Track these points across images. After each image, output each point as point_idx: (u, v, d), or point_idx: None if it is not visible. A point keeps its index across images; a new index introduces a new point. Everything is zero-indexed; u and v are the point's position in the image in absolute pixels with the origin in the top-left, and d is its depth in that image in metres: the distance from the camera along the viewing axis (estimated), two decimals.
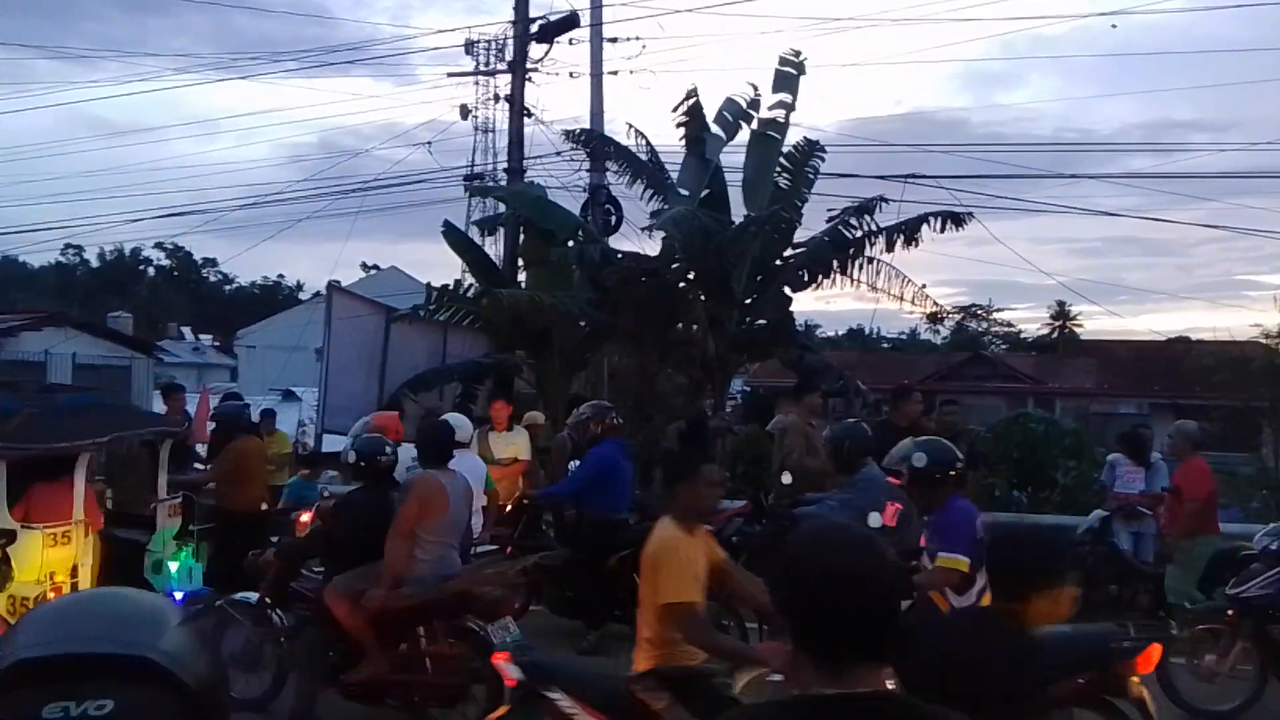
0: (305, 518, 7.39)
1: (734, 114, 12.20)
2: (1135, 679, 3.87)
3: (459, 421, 6.99)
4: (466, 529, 5.97)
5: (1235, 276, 74.05)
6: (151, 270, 58.53)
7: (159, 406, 14.17)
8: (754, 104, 12.19)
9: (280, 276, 62.71)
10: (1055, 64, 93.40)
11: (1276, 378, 13.48)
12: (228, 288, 61.09)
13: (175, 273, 59.21)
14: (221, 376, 36.87)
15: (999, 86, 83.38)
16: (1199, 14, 62.51)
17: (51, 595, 6.08)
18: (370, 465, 5.70)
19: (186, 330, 44.91)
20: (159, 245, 55.89)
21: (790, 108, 12.13)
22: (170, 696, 1.11)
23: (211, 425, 8.33)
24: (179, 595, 6.41)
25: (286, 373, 24.99)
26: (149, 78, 58.24)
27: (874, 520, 4.93)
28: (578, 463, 7.74)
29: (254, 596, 5.80)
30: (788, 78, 12.15)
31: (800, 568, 1.50)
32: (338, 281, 16.29)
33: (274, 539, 7.01)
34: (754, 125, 12.22)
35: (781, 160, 12.28)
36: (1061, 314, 46.31)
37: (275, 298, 55.02)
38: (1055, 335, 45.38)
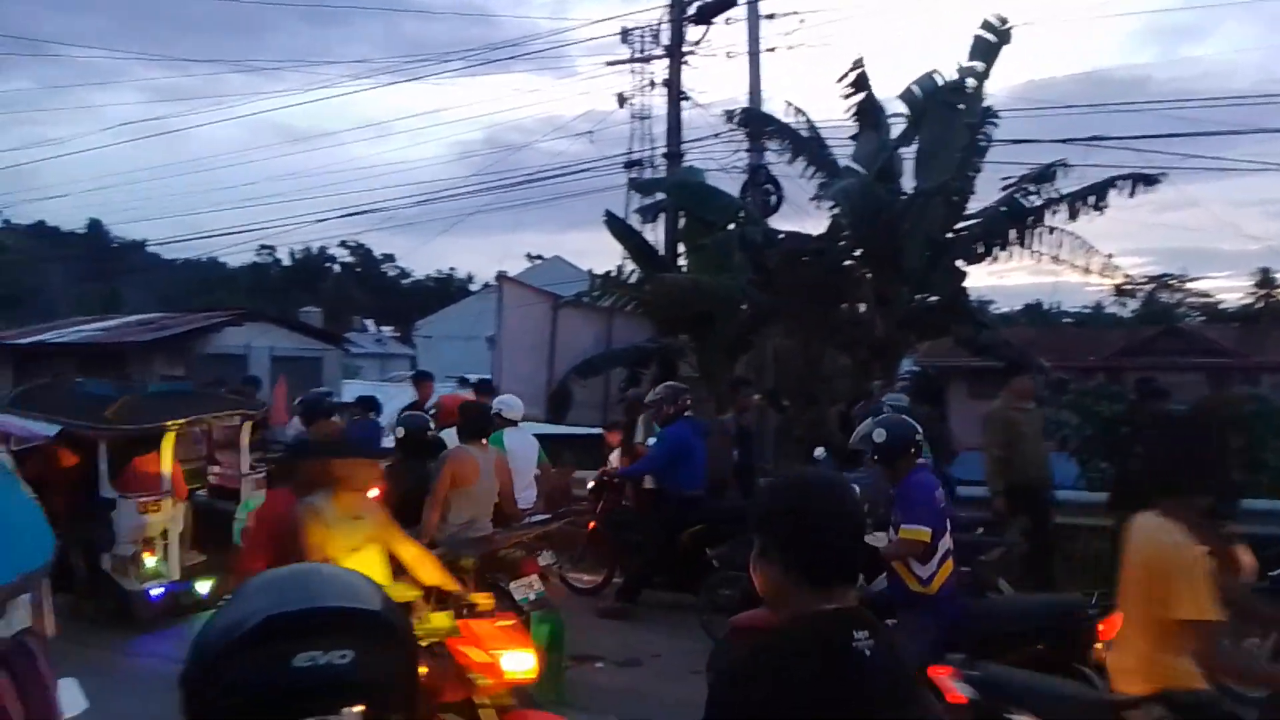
0: None
1: (925, 89, 11.58)
2: (1099, 645, 3.83)
3: (510, 402, 7.68)
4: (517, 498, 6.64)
5: None
6: (336, 267, 62.35)
7: (351, 394, 15.10)
8: (957, 88, 11.40)
9: (452, 269, 65.57)
10: (1250, 10, 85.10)
11: None
12: (405, 281, 64.34)
13: (357, 269, 62.85)
14: (401, 366, 38.87)
15: (1186, 39, 76.87)
16: None
17: (145, 556, 7.25)
18: (413, 440, 6.46)
19: (369, 323, 47.64)
20: (343, 244, 59.57)
21: (983, 77, 11.43)
22: (396, 650, 1.23)
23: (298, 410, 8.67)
24: None
25: (461, 361, 26.05)
26: (327, 85, 61.85)
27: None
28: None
29: None
30: (987, 45, 11.31)
31: (797, 509, 1.85)
32: (505, 272, 16.81)
33: None
34: (937, 96, 11.58)
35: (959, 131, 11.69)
36: (1266, 281, 42.37)
37: (448, 290, 57.52)
38: (1260, 305, 41.56)
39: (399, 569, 4.28)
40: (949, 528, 4.58)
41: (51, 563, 1.74)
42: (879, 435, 4.68)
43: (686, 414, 7.96)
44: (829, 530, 1.81)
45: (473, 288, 50.89)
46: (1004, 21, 11.34)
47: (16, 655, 1.84)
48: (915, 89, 11.61)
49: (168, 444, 7.33)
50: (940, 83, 11.53)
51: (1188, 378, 19.21)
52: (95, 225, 57.25)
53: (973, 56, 11.40)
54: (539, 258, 39.04)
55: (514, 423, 7.52)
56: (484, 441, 6.25)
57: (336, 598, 1.23)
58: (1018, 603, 5.30)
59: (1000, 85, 70.72)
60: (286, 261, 59.97)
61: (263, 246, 55.36)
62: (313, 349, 20.50)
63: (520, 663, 3.94)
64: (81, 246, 55.28)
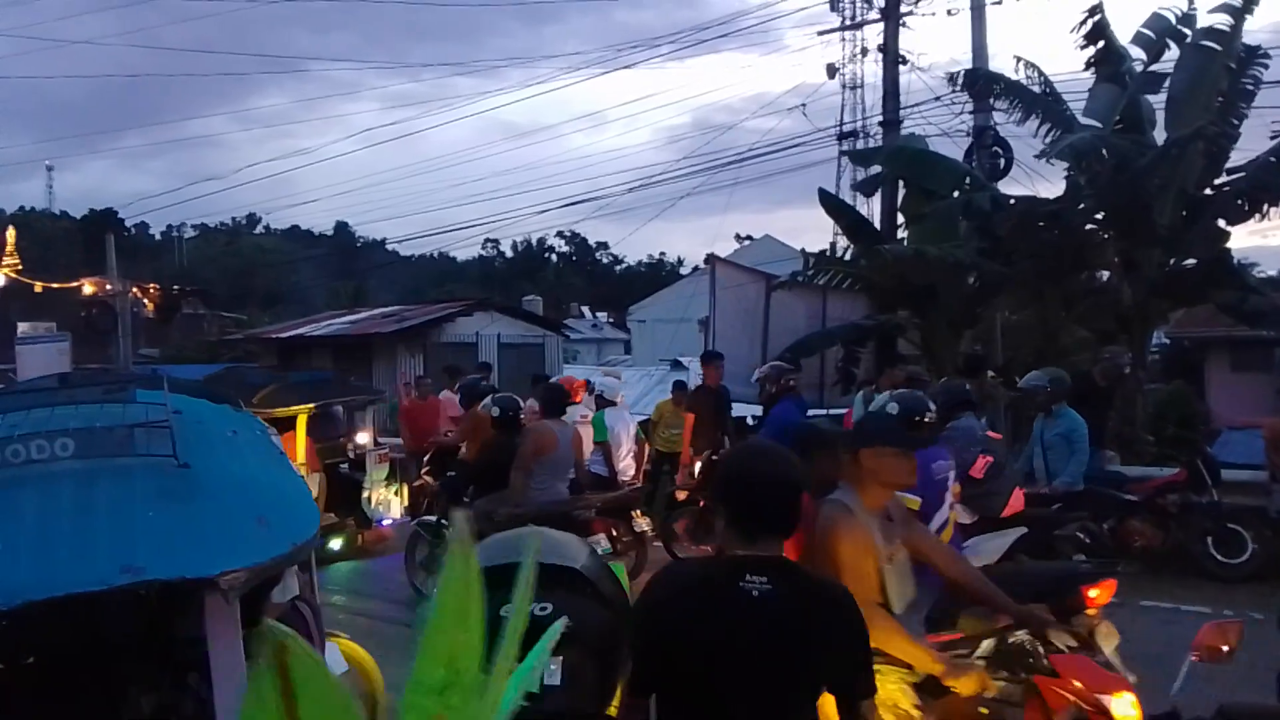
0: None
1: (1159, 31, 10.50)
2: (1092, 611, 3.86)
3: (610, 384, 8.69)
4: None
5: None
6: (554, 257, 64.89)
7: (577, 371, 15.60)
8: (1187, 19, 10.38)
9: (662, 254, 66.59)
10: None
11: None
12: (618, 268, 66.01)
13: (574, 257, 65.12)
14: (616, 350, 39.90)
15: None
16: None
17: None
18: (505, 416, 7.07)
19: (586, 309, 49.22)
20: (560, 234, 61.87)
21: (1243, 11, 10.22)
22: (592, 604, 1.33)
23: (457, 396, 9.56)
24: (384, 521, 9.39)
25: (674, 343, 26.36)
26: (544, 80, 64.29)
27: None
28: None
29: (433, 519, 7.57)
30: None
31: (732, 472, 2.27)
32: (715, 254, 16.77)
33: None
34: (1189, 38, 10.44)
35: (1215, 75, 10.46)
36: None
37: (659, 274, 58.44)
38: None
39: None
40: (948, 501, 4.67)
41: (318, 534, 1.83)
42: (892, 408, 4.80)
43: (791, 392, 7.96)
44: (757, 492, 2.17)
45: (683, 271, 51.39)
46: None
47: (291, 619, 1.96)
48: (1147, 31, 10.52)
49: (300, 423, 8.43)
50: (1175, 20, 10.37)
51: None
52: (341, 226, 62.59)
53: None
54: (749, 238, 38.86)
55: (613, 403, 8.35)
56: (564, 417, 7.02)
57: (539, 554, 1.28)
58: (1019, 570, 5.02)
59: (1267, 20, 62.94)
60: (509, 253, 63.04)
61: (488, 240, 58.46)
62: (535, 335, 21.38)
63: (1126, 709, 3.43)
64: (330, 246, 60.54)
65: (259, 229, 60.67)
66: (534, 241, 61.09)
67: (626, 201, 47.29)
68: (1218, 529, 7.50)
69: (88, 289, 25.33)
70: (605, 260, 66.79)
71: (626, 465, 8.17)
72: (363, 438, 9.93)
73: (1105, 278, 11.04)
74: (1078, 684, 3.40)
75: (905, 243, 13.28)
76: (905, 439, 3.39)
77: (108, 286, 24.54)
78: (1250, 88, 10.58)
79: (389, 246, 54.18)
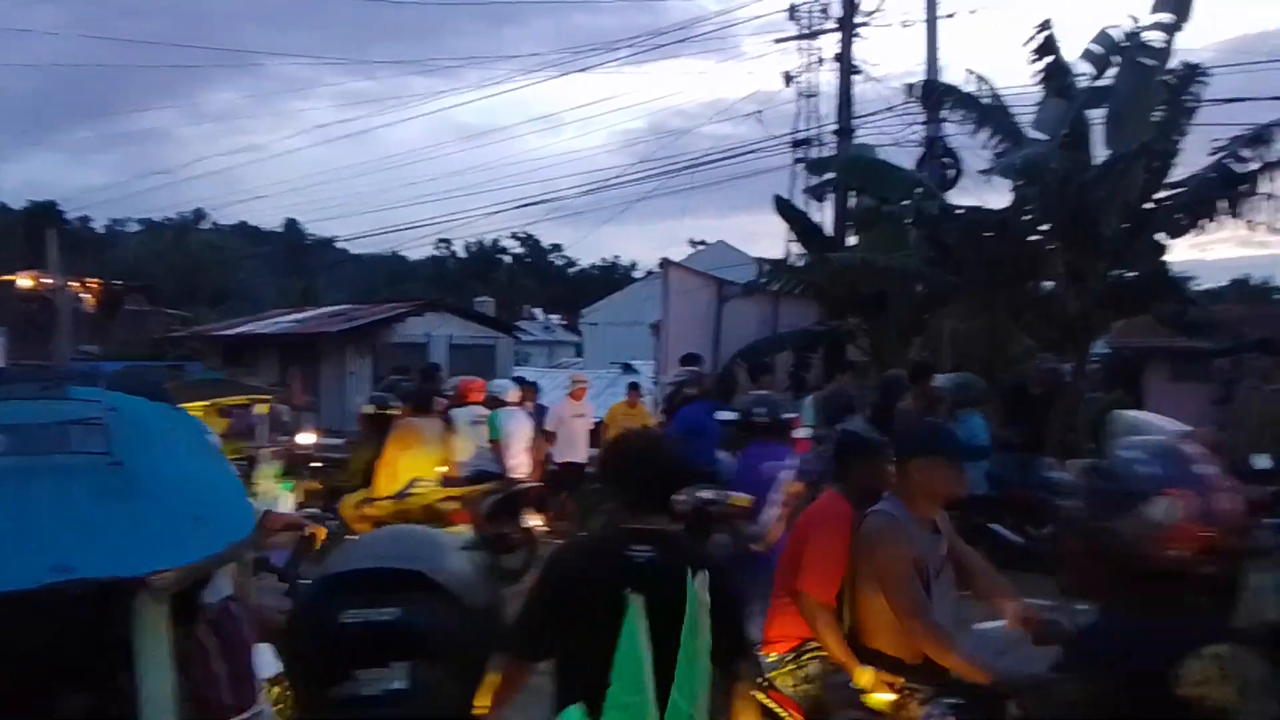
0: None
1: (1107, 47, 10.75)
2: None
3: (504, 386, 9.20)
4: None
5: None
6: (508, 258, 64.52)
7: (528, 373, 15.51)
8: (1132, 36, 10.64)
9: (616, 257, 66.54)
10: None
11: None
12: (571, 270, 65.84)
13: (527, 259, 64.81)
14: (568, 353, 39.78)
15: None
16: None
17: None
18: (376, 413, 7.70)
19: (538, 311, 49.02)
20: (514, 235, 61.55)
21: (1174, 29, 10.51)
22: (446, 610, 1.29)
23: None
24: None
25: (626, 347, 26.35)
26: (501, 81, 64.02)
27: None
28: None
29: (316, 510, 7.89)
30: None
31: (619, 456, 2.57)
32: (669, 258, 16.82)
33: None
34: (1125, 52, 10.72)
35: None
36: None
37: (612, 277, 58.39)
38: None
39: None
40: (778, 499, 5.05)
41: (253, 534, 1.80)
42: (760, 411, 5.43)
43: (701, 398, 8.20)
44: (640, 473, 2.48)
45: (637, 275, 51.40)
46: None
47: (224, 620, 1.97)
48: (1095, 46, 10.77)
49: None
50: (1121, 37, 10.64)
51: None
52: (291, 224, 61.52)
53: (1158, 8, 10.48)
54: (702, 243, 38.94)
55: (509, 404, 8.80)
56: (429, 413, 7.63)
57: (386, 559, 1.32)
58: None
59: (1210, 40, 64.77)
60: (462, 254, 62.59)
61: (440, 240, 57.95)
62: (486, 337, 21.25)
63: None
64: (279, 244, 59.52)
65: (206, 225, 59.42)
66: (487, 242, 60.76)
67: (581, 204, 47.29)
68: None
69: (24, 283, 24.61)
70: (559, 262, 66.60)
71: (519, 464, 8.46)
72: (303, 438, 9.92)
73: (1051, 288, 11.24)
74: None
75: (857, 250, 13.46)
76: (956, 450, 3.35)
77: (46, 281, 23.88)
78: (1191, 104, 10.88)
79: (339, 245, 53.58)
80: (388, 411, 7.83)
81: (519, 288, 54.60)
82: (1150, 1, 10.64)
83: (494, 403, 8.78)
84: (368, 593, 1.26)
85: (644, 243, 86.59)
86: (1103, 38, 10.77)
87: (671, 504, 2.60)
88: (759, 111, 17.00)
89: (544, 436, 9.65)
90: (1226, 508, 1.67)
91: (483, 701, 1.40)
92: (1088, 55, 10.77)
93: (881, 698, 3.05)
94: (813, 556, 3.38)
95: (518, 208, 41.29)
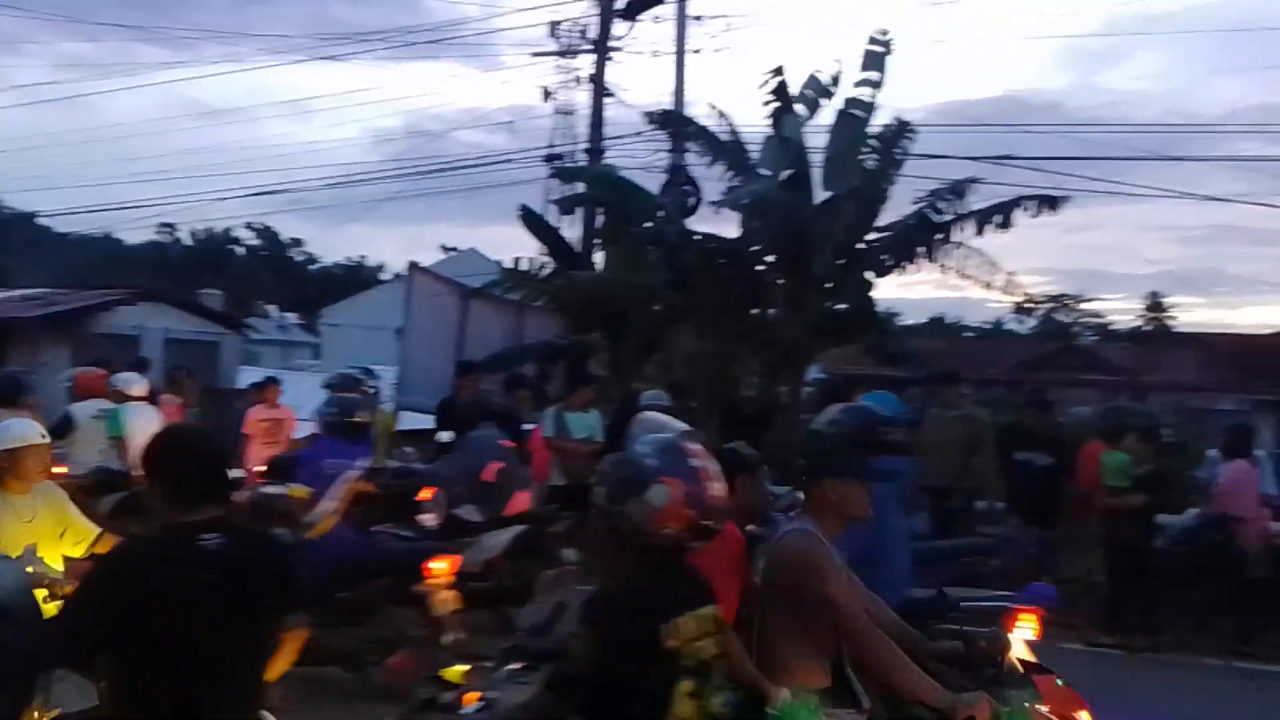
0: None
1: (816, 91, 11.82)
2: (433, 583, 4.95)
3: (130, 378, 8.42)
4: None
5: None
6: (241, 250, 60.35)
7: (247, 380, 14.55)
8: (836, 80, 11.77)
9: (363, 257, 64.09)
10: (1163, 40, 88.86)
11: None
12: (312, 267, 62.66)
13: (263, 252, 60.95)
14: (304, 354, 37.81)
15: (1099, 66, 79.96)
16: None
17: None
18: None
19: (273, 309, 46.20)
20: (249, 226, 57.66)
21: (878, 86, 11.72)
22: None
23: None
24: None
25: (368, 351, 25.40)
26: (240, 59, 59.81)
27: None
28: None
29: None
30: (876, 56, 11.74)
31: (168, 450, 2.57)
32: (417, 261, 16.46)
33: None
34: (839, 104, 11.81)
35: (870, 141, 11.89)
36: (1156, 305, 44.51)
37: (358, 278, 56.21)
38: (1150, 327, 43.59)
39: None
40: (335, 494, 5.45)
41: None
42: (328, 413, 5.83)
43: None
44: (195, 465, 2.52)
45: (384, 277, 49.79)
46: (885, 33, 11.72)
47: None
48: (808, 91, 11.80)
49: None
50: (829, 80, 11.72)
51: (1083, 393, 19.95)
52: None
53: (865, 68, 11.66)
54: (454, 249, 38.45)
55: (134, 398, 8.21)
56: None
57: None
58: (380, 547, 6.01)
59: (922, 102, 72.35)
60: (189, 241, 57.83)
61: (163, 224, 53.25)
62: (210, 333, 19.69)
63: None
64: None
65: None
66: (217, 231, 56.55)
67: (325, 198, 45.08)
68: None
69: None
70: (299, 258, 63.18)
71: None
72: None
73: (773, 315, 12.06)
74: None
75: (602, 266, 13.79)
76: (864, 470, 3.28)
77: None
78: (899, 156, 12.09)
79: (41, 221, 47.76)
80: None
81: (254, 282, 51.21)
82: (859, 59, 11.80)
83: (119, 397, 8.17)
84: None
85: (394, 245, 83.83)
86: (812, 82, 11.80)
87: (227, 496, 2.65)
88: (512, 121, 17.09)
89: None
90: (714, 495, 2.05)
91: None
92: (801, 98, 11.75)
93: (456, 668, 3.20)
94: (710, 578, 3.16)
95: (253, 195, 38.55)
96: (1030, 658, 4.24)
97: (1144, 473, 7.83)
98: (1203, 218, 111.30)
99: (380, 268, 60.12)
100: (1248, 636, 7.60)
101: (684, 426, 2.25)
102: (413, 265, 15.36)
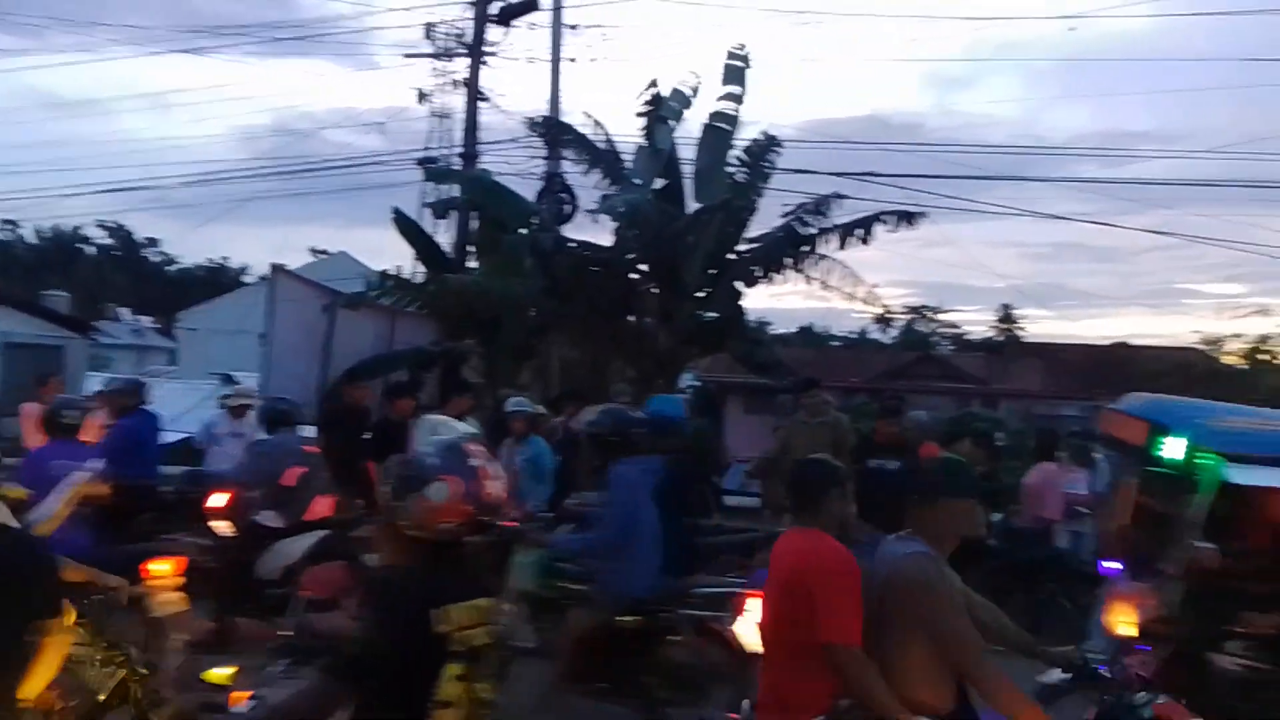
0: None
1: (680, 103, 12.08)
2: (152, 584, 4.79)
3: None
4: None
5: (1176, 285, 75.16)
6: (92, 249, 56.91)
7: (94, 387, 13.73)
8: (696, 91, 12.09)
9: (225, 259, 61.35)
10: (1016, 68, 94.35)
11: (1218, 381, 13.77)
12: (170, 269, 59.62)
13: (116, 252, 57.64)
14: (160, 359, 35.97)
15: (956, 89, 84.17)
16: (1155, 20, 63.55)
17: None
18: None
19: (125, 311, 43.72)
20: (100, 224, 54.43)
21: (739, 100, 12.07)
22: None
23: None
24: None
25: (228, 356, 24.35)
26: (94, 49, 56.40)
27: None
28: None
29: None
30: (736, 71, 12.10)
31: None
32: (282, 264, 15.93)
33: None
34: (705, 118, 12.12)
35: (739, 154, 12.21)
36: (1008, 317, 47.06)
37: (220, 280, 53.80)
38: (1002, 338, 46.09)
39: None
40: (60, 496, 5.18)
41: None
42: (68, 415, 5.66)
43: (142, 407, 8.15)
44: None
45: (247, 279, 47.80)
46: (743, 48, 12.14)
47: None
48: (672, 103, 12.05)
49: None
50: (689, 94, 12.01)
51: (939, 400, 20.94)
52: None
53: (726, 81, 12.00)
54: (324, 252, 37.29)
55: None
56: None
57: None
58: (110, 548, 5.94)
59: (792, 119, 74.66)
60: (33, 239, 54.17)
61: (4, 221, 49.74)
62: (54, 336, 18.51)
63: None
64: None
65: None
66: (66, 229, 53.18)
67: (186, 196, 43.08)
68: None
69: None
70: (155, 259, 60.02)
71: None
72: None
73: (646, 322, 12.22)
74: None
75: (476, 272, 13.66)
76: (979, 491, 3.35)
77: None
78: (767, 170, 12.45)
79: None
80: None
81: (106, 283, 48.38)
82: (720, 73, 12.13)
83: None
84: None
85: (260, 246, 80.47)
86: (676, 94, 12.06)
87: None
88: (384, 123, 16.75)
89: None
90: (490, 493, 2.20)
91: None
92: (668, 110, 12.00)
93: (221, 671, 3.27)
94: (836, 603, 3.11)
95: (107, 192, 36.59)
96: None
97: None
98: (1049, 235, 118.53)
99: (244, 270, 57.72)
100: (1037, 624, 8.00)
101: (468, 429, 2.38)
102: (276, 268, 14.86)
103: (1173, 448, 3.93)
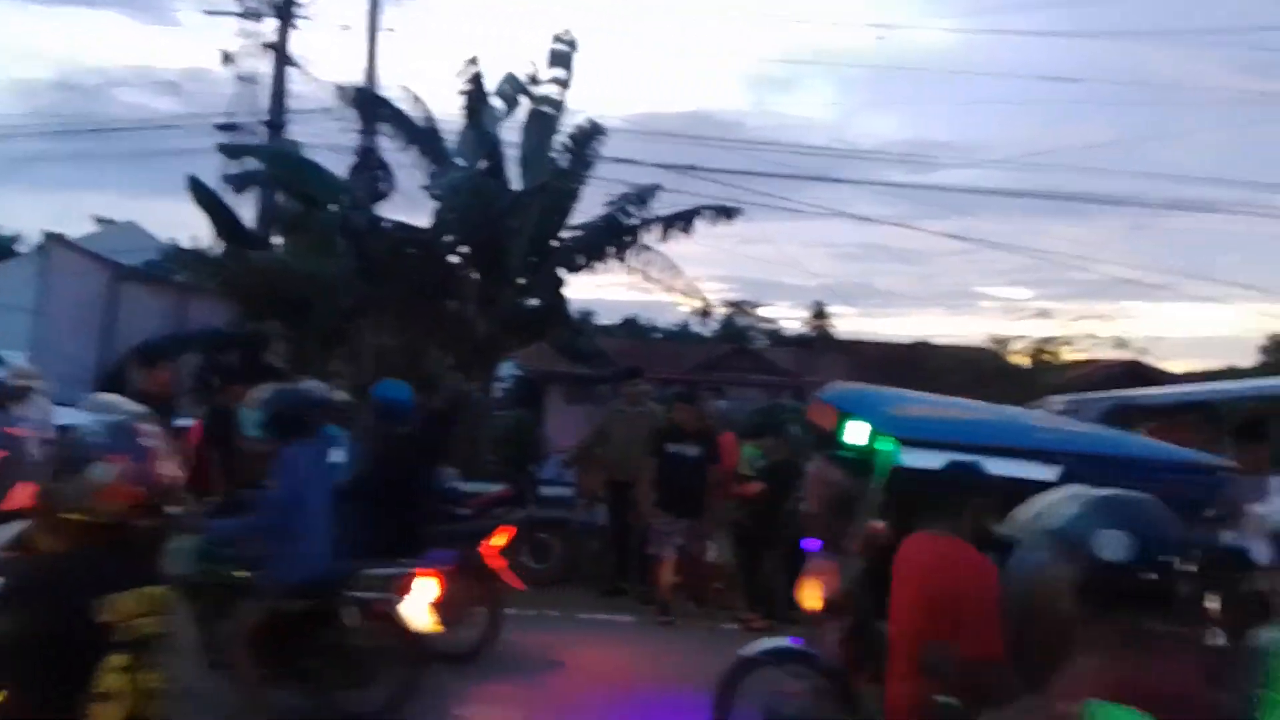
0: None
1: (514, 88, 11.76)
2: None
3: None
4: None
5: (971, 288, 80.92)
6: None
7: None
8: (534, 79, 11.81)
9: None
10: (830, 73, 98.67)
11: (1006, 378, 14.82)
12: None
13: None
14: None
15: (778, 92, 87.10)
16: (959, 35, 68.06)
17: None
18: None
19: None
20: None
21: (565, 84, 11.88)
22: None
23: None
24: None
25: None
26: None
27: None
28: None
29: None
30: (563, 55, 11.89)
31: None
32: (60, 234, 14.46)
33: None
34: (529, 101, 11.84)
35: (564, 140, 12.01)
36: (820, 313, 49.25)
37: None
38: (813, 333, 48.18)
39: None
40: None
41: None
42: None
43: None
44: None
45: (20, 249, 43.42)
46: (568, 32, 11.92)
47: None
48: (505, 87, 11.77)
49: None
50: (526, 79, 11.78)
51: (752, 392, 21.58)
52: None
53: (552, 64, 11.83)
54: (109, 221, 34.34)
55: None
56: None
57: None
58: None
59: (618, 111, 75.06)
60: None
61: None
62: None
63: None
64: None
65: None
66: None
67: None
68: (530, 539, 8.46)
69: None
70: None
71: None
72: None
73: (465, 307, 11.84)
74: None
75: (282, 251, 12.83)
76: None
77: None
78: (591, 158, 12.30)
79: None
80: None
81: None
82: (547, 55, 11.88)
83: None
84: None
85: (36, 212, 73.11)
86: (510, 79, 11.76)
87: None
88: (177, 85, 15.48)
89: None
90: (162, 474, 2.09)
91: None
92: (499, 94, 11.68)
93: None
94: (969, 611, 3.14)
95: None
96: (433, 616, 5.01)
97: (769, 464, 8.55)
98: (858, 236, 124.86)
99: (16, 238, 52.42)
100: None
101: (137, 407, 2.19)
102: (51, 236, 13.48)
103: (855, 433, 4.16)
